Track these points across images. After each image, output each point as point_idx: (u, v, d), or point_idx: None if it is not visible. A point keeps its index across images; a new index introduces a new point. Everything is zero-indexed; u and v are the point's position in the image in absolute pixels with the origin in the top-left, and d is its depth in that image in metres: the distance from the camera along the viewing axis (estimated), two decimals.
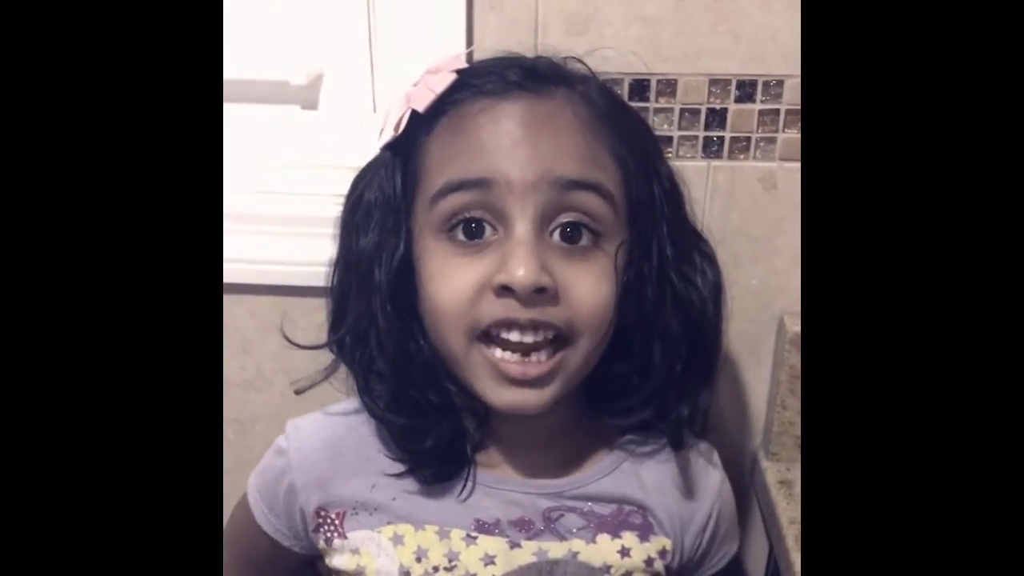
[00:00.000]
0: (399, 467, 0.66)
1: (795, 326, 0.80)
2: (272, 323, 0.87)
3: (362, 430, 0.69)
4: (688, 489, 0.70)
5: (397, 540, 0.65)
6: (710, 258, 0.68)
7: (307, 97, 0.83)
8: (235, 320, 0.88)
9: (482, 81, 0.62)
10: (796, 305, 0.82)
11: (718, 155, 0.77)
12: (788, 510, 0.79)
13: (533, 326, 0.60)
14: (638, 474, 0.69)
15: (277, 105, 0.84)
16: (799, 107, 0.75)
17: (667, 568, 0.68)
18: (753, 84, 0.75)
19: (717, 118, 0.76)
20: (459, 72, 0.63)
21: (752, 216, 0.79)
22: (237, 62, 0.82)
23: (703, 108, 0.76)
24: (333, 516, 0.67)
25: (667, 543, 0.68)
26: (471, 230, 0.60)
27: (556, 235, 0.60)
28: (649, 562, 0.67)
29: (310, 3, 0.80)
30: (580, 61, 0.67)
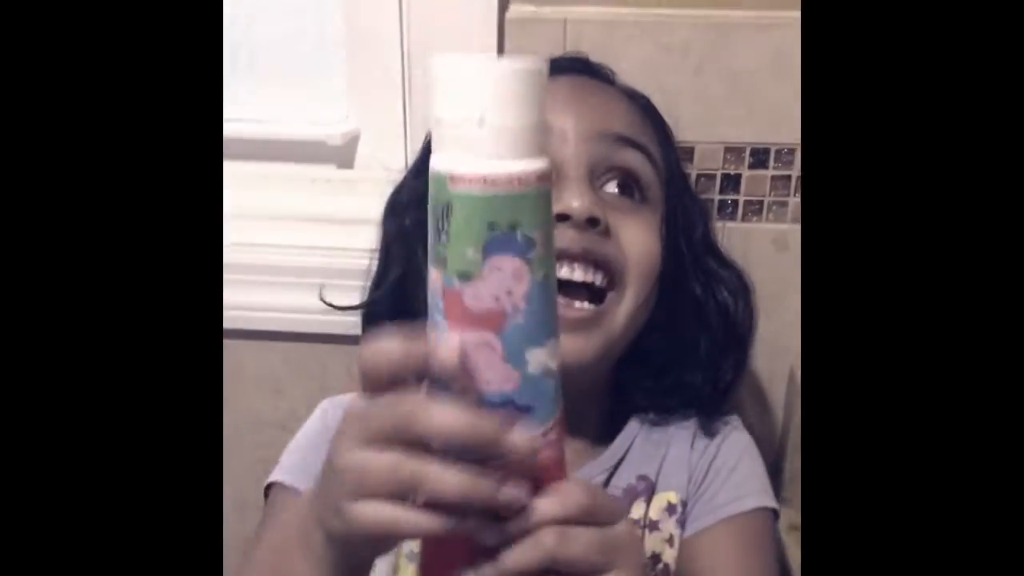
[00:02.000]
0: None
1: None
2: (304, 368, 0.91)
3: None
4: (696, 438, 0.69)
5: None
6: (739, 277, 0.72)
7: (343, 156, 0.88)
8: (270, 365, 0.92)
9: None
10: None
11: (732, 217, 0.81)
12: (798, 554, 0.82)
13: (584, 258, 0.60)
14: (656, 443, 0.68)
15: (314, 164, 0.89)
16: None
17: (680, 522, 0.67)
18: (766, 152, 0.79)
19: (731, 183, 0.80)
20: None
21: (765, 274, 0.82)
22: (277, 123, 0.88)
23: (718, 173, 0.80)
24: None
25: (672, 496, 0.67)
26: None
27: (606, 187, 0.63)
28: (654, 525, 0.66)
29: (348, 68, 0.85)
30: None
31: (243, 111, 0.88)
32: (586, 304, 0.61)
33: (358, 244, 0.85)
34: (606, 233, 0.61)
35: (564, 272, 0.60)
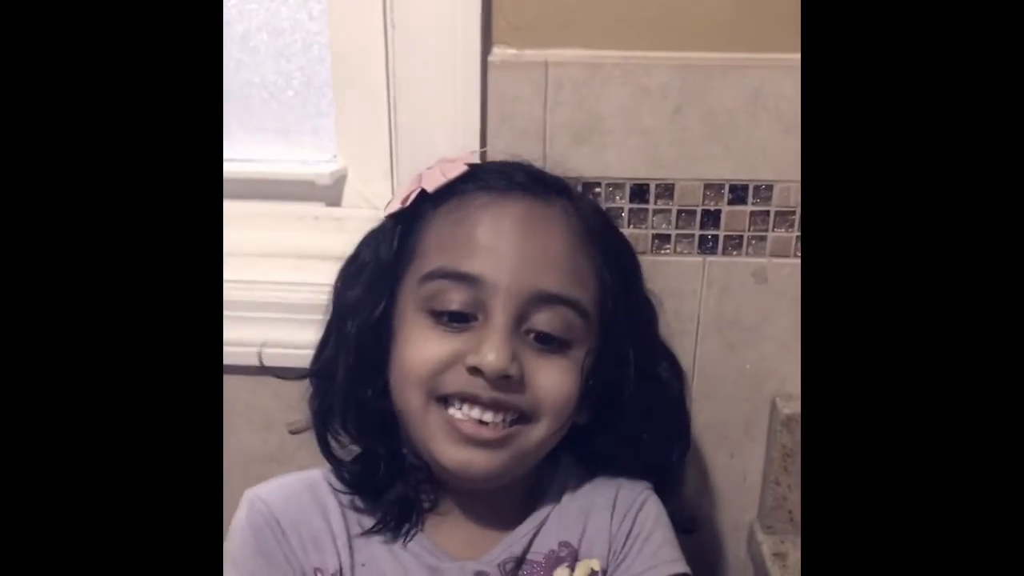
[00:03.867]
0: (364, 526, 0.69)
1: (786, 408, 0.86)
2: (294, 403, 0.92)
3: (325, 492, 0.72)
4: (616, 508, 0.72)
5: None
6: (675, 369, 0.75)
7: (331, 195, 0.90)
8: (259, 400, 0.93)
9: (490, 177, 0.69)
10: (786, 387, 0.87)
11: (713, 251, 0.83)
12: None
13: (495, 406, 0.65)
14: (577, 510, 0.72)
15: (304, 203, 0.90)
16: (787, 208, 0.82)
17: None
18: (744, 188, 0.81)
19: (711, 218, 0.82)
20: (471, 166, 0.69)
21: (745, 307, 0.85)
22: (268, 163, 0.90)
23: (698, 209, 0.82)
24: None
25: (595, 563, 0.70)
26: (453, 316, 0.65)
27: (530, 336, 0.65)
28: None
29: (336, 110, 0.87)
30: (579, 182, 0.76)
31: (234, 151, 0.90)
32: (499, 424, 0.65)
33: None
34: (519, 384, 0.65)
35: (475, 413, 0.65)
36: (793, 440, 0.86)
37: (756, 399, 0.88)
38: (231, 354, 0.86)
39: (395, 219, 0.71)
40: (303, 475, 0.73)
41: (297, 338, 0.88)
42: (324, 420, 0.72)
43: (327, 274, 0.88)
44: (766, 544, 0.88)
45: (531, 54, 0.79)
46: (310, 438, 0.91)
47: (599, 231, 0.70)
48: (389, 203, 0.73)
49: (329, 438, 0.72)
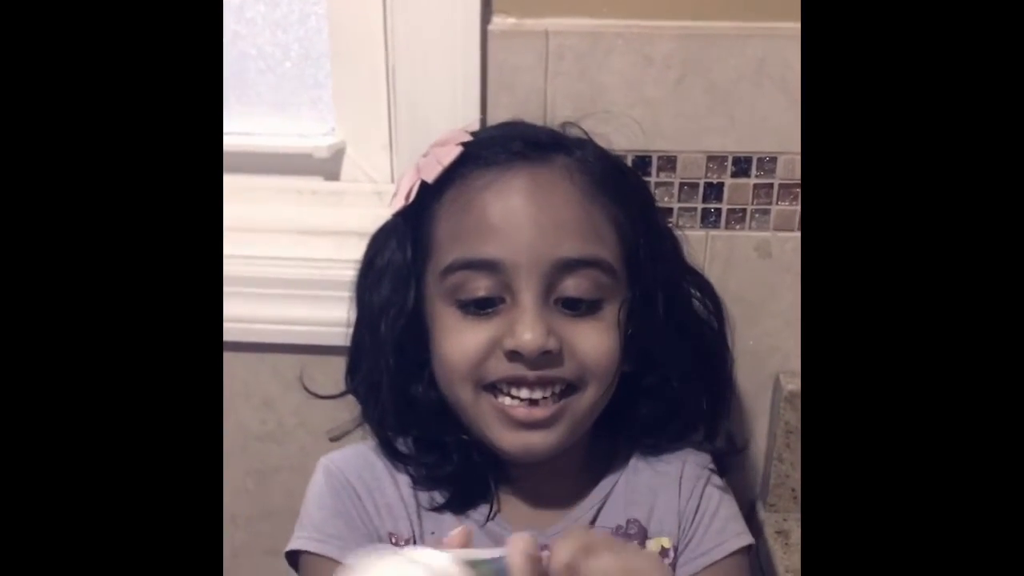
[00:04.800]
0: (433, 500, 0.70)
1: (790, 384, 0.85)
2: (294, 380, 0.91)
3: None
4: (682, 487, 0.73)
5: None
6: (711, 297, 0.75)
7: (329, 169, 0.89)
8: (258, 377, 0.92)
9: (487, 152, 0.67)
10: (790, 364, 0.86)
11: (716, 225, 0.82)
12: (785, 559, 0.83)
13: (541, 383, 0.65)
14: (643, 488, 0.73)
15: (302, 177, 0.89)
16: (791, 181, 0.80)
17: (672, 566, 0.72)
18: (748, 160, 0.80)
19: (714, 191, 0.81)
20: (464, 145, 0.68)
21: (748, 282, 0.84)
22: (265, 136, 0.89)
23: (701, 182, 0.81)
24: (403, 544, 0.70)
25: (665, 541, 0.72)
26: (481, 303, 0.65)
27: (560, 304, 0.65)
28: None
29: (333, 82, 0.86)
30: (576, 125, 0.73)
31: (231, 124, 0.89)
32: (549, 401, 0.65)
33: (345, 255, 0.85)
34: (560, 356, 0.64)
35: (524, 393, 0.65)
36: (796, 417, 0.85)
37: (759, 376, 0.87)
38: (229, 331, 0.85)
39: (402, 216, 0.71)
40: (375, 445, 0.74)
41: (295, 314, 0.87)
42: (382, 425, 0.72)
43: (325, 249, 0.88)
44: (768, 522, 0.88)
45: (531, 23, 0.78)
46: (311, 416, 0.92)
47: (607, 177, 0.68)
48: (392, 200, 0.72)
49: (392, 441, 0.72)
